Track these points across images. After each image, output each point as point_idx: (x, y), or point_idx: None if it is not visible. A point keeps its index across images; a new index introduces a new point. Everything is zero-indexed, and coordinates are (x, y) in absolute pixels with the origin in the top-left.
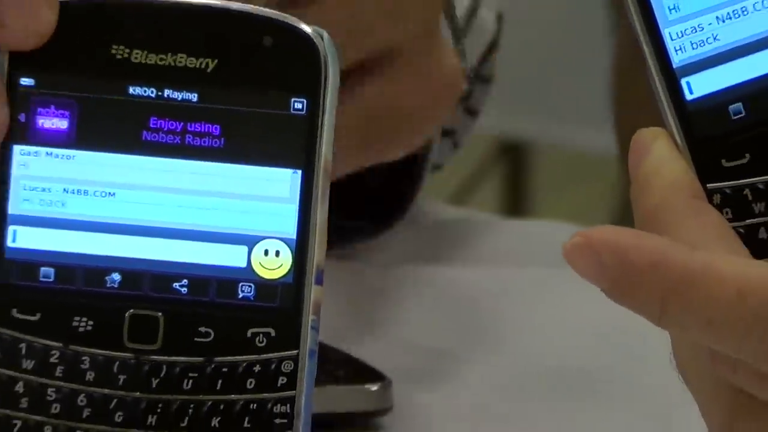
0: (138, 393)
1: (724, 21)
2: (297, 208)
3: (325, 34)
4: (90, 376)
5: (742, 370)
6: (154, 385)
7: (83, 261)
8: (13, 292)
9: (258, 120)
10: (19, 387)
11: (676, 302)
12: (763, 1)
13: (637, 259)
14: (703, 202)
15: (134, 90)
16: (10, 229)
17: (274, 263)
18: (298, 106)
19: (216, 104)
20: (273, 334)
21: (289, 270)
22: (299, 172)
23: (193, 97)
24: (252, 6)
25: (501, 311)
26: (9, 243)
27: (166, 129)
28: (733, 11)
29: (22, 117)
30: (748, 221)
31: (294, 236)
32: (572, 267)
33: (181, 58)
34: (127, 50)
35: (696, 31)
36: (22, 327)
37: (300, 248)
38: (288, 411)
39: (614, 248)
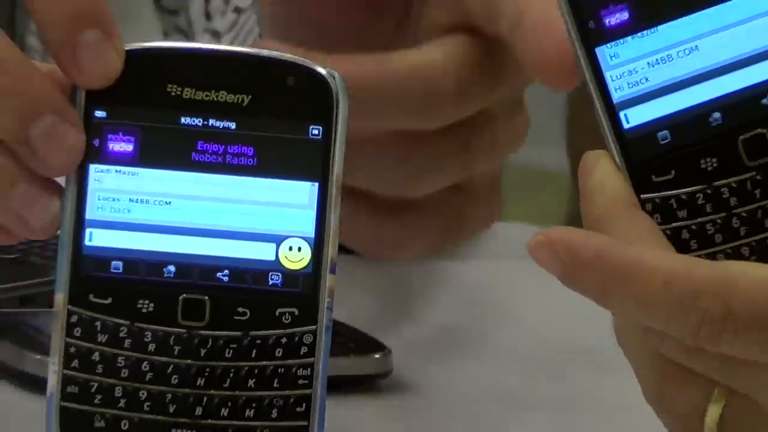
0: (189, 360)
1: (653, 66)
2: (315, 213)
3: (337, 74)
4: (151, 347)
5: (669, 342)
6: (202, 354)
7: (145, 256)
8: (89, 281)
9: (283, 143)
10: (95, 356)
11: (615, 288)
12: (684, 51)
13: (584, 253)
14: (637, 209)
15: (185, 120)
16: (87, 231)
17: (297, 257)
18: (315, 132)
19: (250, 131)
20: (296, 313)
21: (309, 262)
22: (317, 184)
23: (232, 125)
24: (278, 52)
25: (496, 293)
26: (86, 242)
27: (210, 151)
28: (660, 58)
29: (96, 142)
30: (673, 224)
31: (313, 235)
32: (534, 260)
33: (222, 94)
34: (179, 88)
35: (631, 74)
36: (97, 309)
37: (317, 245)
38: (308, 374)
39: (567, 245)
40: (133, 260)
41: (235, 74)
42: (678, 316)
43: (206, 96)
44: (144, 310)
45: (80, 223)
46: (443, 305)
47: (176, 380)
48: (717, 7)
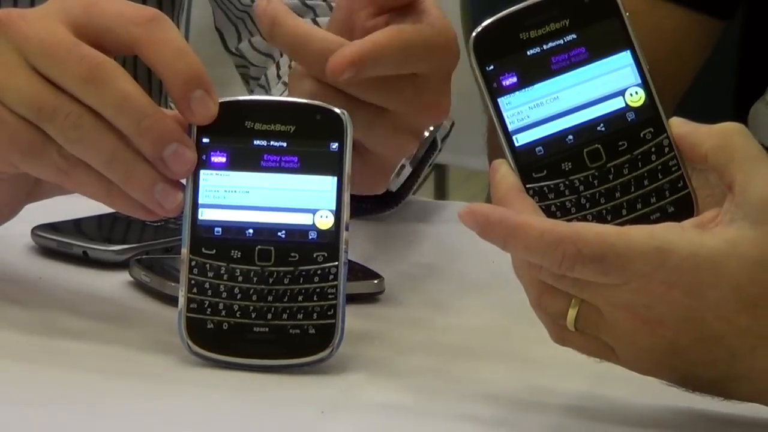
0: (263, 286)
1: (532, 108)
2: (335, 195)
3: (345, 112)
4: (240, 278)
5: (544, 272)
6: (270, 282)
7: (234, 225)
8: (201, 240)
9: (315, 154)
10: (206, 285)
11: (511, 238)
12: (550, 99)
13: (491, 218)
14: (524, 194)
15: (256, 142)
16: (200, 210)
17: (325, 222)
18: (334, 147)
19: (295, 147)
20: (326, 255)
21: (333, 224)
22: (335, 177)
23: (284, 144)
24: (310, 100)
25: (463, 238)
26: (199, 217)
27: (271, 160)
28: (536, 104)
29: (203, 156)
30: (546, 203)
31: (334, 208)
32: (462, 222)
33: (278, 126)
34: (252, 123)
35: (519, 113)
36: (206, 257)
37: (337, 214)
38: (335, 292)
39: (482, 213)
40: (227, 227)
41: (285, 114)
42: (548, 255)
43: (269, 127)
44: (234, 257)
45: (195, 206)
46: (423, 248)
47: (255, 297)
48: (569, 73)
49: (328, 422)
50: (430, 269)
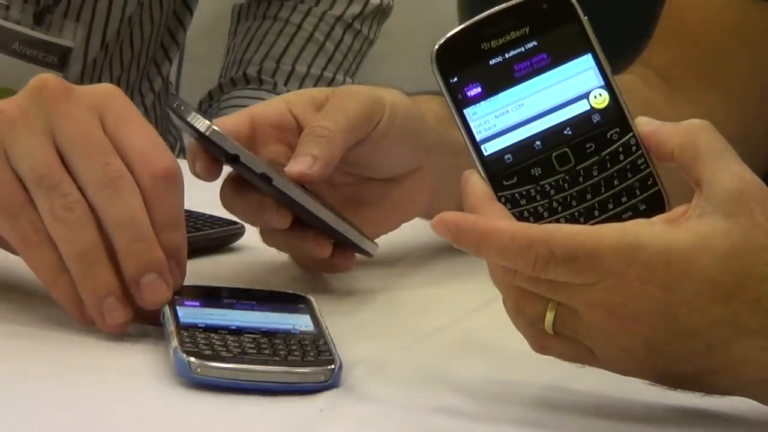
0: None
1: (497, 117)
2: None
3: None
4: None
5: (519, 276)
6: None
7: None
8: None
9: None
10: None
11: (483, 244)
12: (515, 107)
13: (463, 225)
14: (495, 201)
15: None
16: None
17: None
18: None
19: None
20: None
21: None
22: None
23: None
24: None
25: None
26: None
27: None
28: (501, 112)
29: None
30: (518, 209)
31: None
32: (435, 232)
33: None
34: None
35: (486, 123)
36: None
37: (608, 87)
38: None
39: (453, 221)
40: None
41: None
42: (521, 258)
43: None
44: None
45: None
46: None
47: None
48: (532, 80)
49: (328, 421)
50: (429, 264)
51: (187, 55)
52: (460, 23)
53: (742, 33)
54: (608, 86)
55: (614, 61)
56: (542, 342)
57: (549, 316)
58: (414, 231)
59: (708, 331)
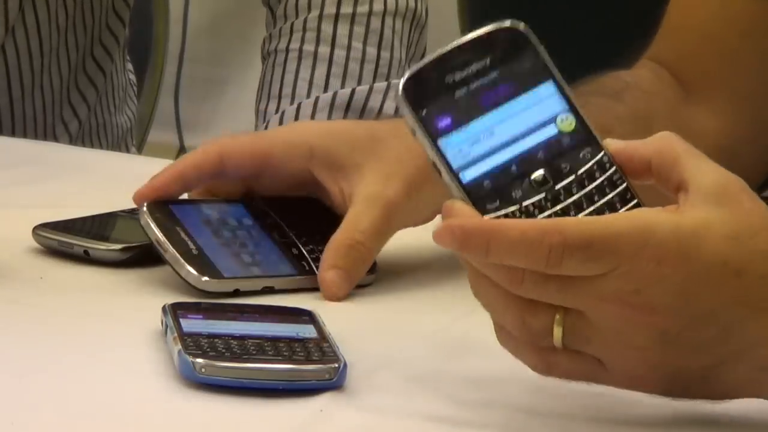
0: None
1: (470, 145)
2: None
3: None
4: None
5: (526, 280)
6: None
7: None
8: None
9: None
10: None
11: (493, 243)
12: (486, 134)
13: (469, 227)
14: (483, 221)
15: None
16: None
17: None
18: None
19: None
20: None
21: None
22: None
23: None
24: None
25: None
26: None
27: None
28: (473, 140)
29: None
30: None
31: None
32: (439, 243)
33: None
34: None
35: (460, 152)
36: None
37: (573, 110)
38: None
39: (458, 225)
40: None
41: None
42: (533, 251)
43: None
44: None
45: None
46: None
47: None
48: (499, 108)
49: (328, 421)
50: (425, 265)
51: (187, 55)
52: (460, 22)
53: (749, 30)
54: (573, 109)
55: (614, 61)
56: (548, 359)
57: (557, 331)
58: (414, 231)
59: (723, 312)
